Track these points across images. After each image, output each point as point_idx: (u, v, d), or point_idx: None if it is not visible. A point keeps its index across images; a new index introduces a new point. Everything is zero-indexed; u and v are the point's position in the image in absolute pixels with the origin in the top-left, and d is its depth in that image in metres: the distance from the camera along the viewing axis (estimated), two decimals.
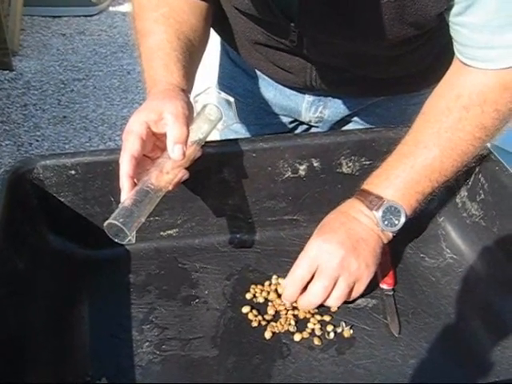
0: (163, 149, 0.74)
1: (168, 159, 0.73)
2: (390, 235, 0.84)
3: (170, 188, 0.75)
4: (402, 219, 0.81)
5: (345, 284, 0.79)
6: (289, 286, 0.81)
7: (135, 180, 0.71)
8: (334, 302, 0.80)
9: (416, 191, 0.83)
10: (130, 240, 0.68)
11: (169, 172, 0.73)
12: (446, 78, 0.84)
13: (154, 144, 0.75)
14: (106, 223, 0.68)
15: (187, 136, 0.73)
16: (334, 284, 0.79)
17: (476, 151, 0.83)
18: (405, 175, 0.82)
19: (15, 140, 2.73)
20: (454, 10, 0.75)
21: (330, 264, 0.78)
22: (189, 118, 0.75)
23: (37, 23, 3.84)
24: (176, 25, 0.85)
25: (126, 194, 0.70)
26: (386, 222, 0.81)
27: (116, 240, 0.69)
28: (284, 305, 0.84)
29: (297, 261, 0.81)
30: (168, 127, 0.72)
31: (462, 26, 0.76)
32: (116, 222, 0.67)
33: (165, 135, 0.73)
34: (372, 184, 0.84)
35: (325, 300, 0.80)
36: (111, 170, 0.85)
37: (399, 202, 0.82)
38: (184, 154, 0.72)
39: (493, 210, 0.90)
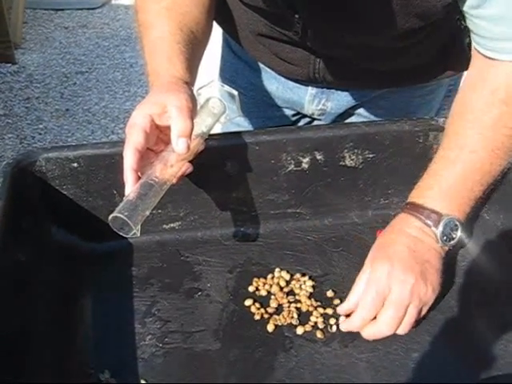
0: (167, 142, 0.74)
1: (172, 152, 0.72)
2: (447, 248, 0.81)
3: (174, 181, 0.74)
4: (459, 233, 0.79)
5: (415, 311, 0.76)
6: (359, 313, 0.77)
7: (139, 173, 0.71)
8: (403, 330, 0.77)
9: (469, 198, 0.80)
10: (134, 233, 0.68)
11: (173, 165, 0.73)
12: (474, 74, 0.82)
13: (158, 137, 0.74)
14: (110, 217, 0.67)
15: (192, 129, 0.72)
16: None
17: None
18: (457, 184, 0.80)
19: (18, 133, 2.73)
20: (470, 3, 0.74)
21: (402, 293, 0.75)
22: (193, 111, 0.74)
23: (39, 16, 3.83)
24: (179, 17, 0.84)
25: (130, 187, 0.70)
26: (444, 238, 0.79)
27: (121, 233, 0.69)
28: (287, 298, 0.84)
29: (365, 285, 0.77)
30: (172, 120, 0.72)
31: (480, 18, 0.76)
32: (121, 216, 0.66)
33: (168, 128, 0.73)
34: (425, 197, 0.81)
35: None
36: (114, 163, 0.85)
37: (455, 213, 0.79)
38: (188, 148, 0.71)
39: (496, 204, 0.89)
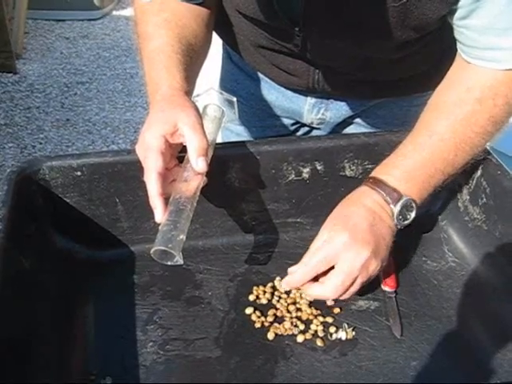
0: (175, 155, 0.76)
1: (190, 169, 0.74)
2: (398, 227, 0.82)
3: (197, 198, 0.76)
4: (413, 215, 0.81)
5: (361, 282, 0.78)
6: (301, 272, 0.77)
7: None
8: (345, 297, 0.78)
9: (429, 184, 0.82)
10: (177, 260, 0.71)
11: (192, 180, 0.75)
12: (453, 74, 0.84)
13: (171, 154, 0.76)
14: (152, 250, 0.70)
15: (208, 146, 0.74)
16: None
17: (485, 145, 0.84)
18: (421, 168, 0.81)
19: (18, 142, 2.74)
20: (458, 14, 0.76)
21: (354, 264, 0.76)
22: (202, 124, 0.75)
23: (41, 26, 3.86)
24: (177, 29, 0.85)
25: (160, 213, 0.72)
26: (400, 217, 0.80)
27: (163, 262, 0.72)
28: (287, 306, 0.85)
29: (315, 249, 0.78)
30: (187, 139, 0.73)
31: (467, 28, 0.77)
32: (165, 248, 0.69)
33: (179, 144, 0.75)
34: (388, 175, 0.82)
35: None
36: (117, 172, 0.86)
37: (414, 196, 0.81)
38: (207, 164, 0.73)
39: (494, 214, 0.90)
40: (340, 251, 0.76)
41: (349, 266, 0.76)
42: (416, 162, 0.81)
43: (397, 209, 0.80)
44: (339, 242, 0.77)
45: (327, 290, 0.77)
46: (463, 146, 0.81)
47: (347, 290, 0.77)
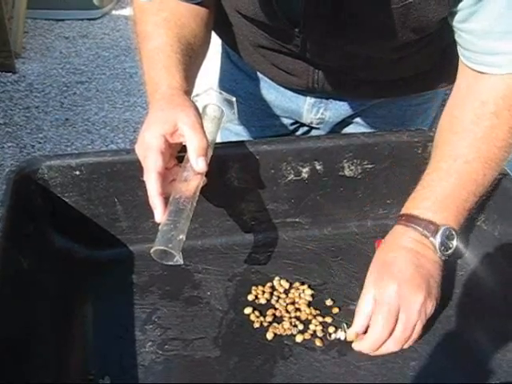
0: (174, 155, 0.76)
1: (190, 170, 0.74)
2: (443, 258, 0.81)
3: (196, 198, 0.76)
4: (455, 242, 0.80)
5: (421, 326, 0.77)
6: (372, 336, 0.77)
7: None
8: (408, 345, 0.78)
9: (464, 209, 0.81)
10: (177, 260, 0.70)
11: (191, 180, 0.75)
12: (461, 85, 0.83)
13: (170, 154, 0.76)
14: (153, 249, 0.70)
15: (208, 145, 0.74)
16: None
17: (508, 157, 0.82)
18: (453, 194, 0.80)
19: (18, 142, 2.74)
20: (458, 17, 0.76)
21: (411, 313, 0.76)
22: (202, 124, 0.75)
23: (40, 26, 3.85)
24: (176, 28, 0.85)
25: (160, 213, 0.71)
26: (442, 248, 0.79)
27: (163, 262, 0.72)
28: (286, 306, 0.85)
29: (373, 306, 0.77)
30: (187, 139, 0.73)
31: (466, 32, 0.77)
32: (166, 248, 0.69)
33: (178, 144, 0.75)
34: (420, 208, 0.81)
35: None
36: (116, 171, 0.86)
37: (451, 223, 0.79)
38: (207, 163, 0.73)
39: (494, 213, 0.90)
40: (397, 305, 0.75)
41: (407, 317, 0.76)
42: (445, 189, 0.80)
43: (437, 240, 0.78)
44: (392, 296, 0.76)
45: (390, 345, 0.77)
46: (489, 163, 0.80)
47: (410, 338, 0.77)
